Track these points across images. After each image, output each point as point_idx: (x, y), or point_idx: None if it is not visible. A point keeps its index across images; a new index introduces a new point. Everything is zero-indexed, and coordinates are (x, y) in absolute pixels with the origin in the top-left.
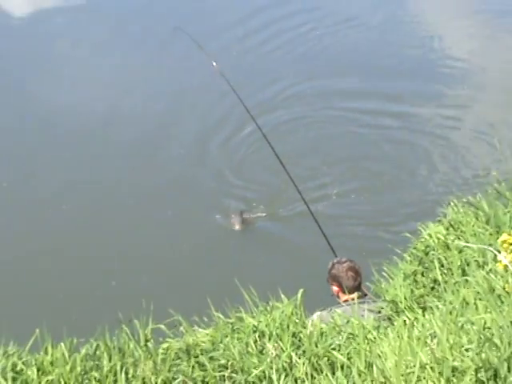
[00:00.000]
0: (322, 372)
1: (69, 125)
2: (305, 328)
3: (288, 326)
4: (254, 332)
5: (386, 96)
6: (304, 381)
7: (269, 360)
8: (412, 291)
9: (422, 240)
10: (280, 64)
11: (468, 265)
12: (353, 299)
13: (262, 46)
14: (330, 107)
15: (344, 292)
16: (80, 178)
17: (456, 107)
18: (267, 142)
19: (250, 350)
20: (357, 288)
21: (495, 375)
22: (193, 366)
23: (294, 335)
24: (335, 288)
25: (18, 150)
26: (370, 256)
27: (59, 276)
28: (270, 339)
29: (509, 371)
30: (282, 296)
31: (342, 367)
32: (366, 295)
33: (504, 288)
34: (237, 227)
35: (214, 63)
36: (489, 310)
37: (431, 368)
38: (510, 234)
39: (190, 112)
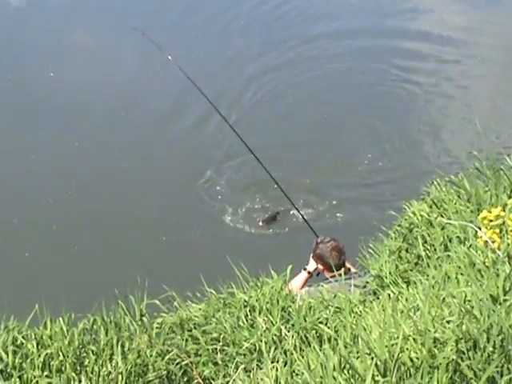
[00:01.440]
0: (310, 344)
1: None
2: (294, 302)
3: (278, 301)
4: (245, 306)
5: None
6: (292, 353)
7: (259, 333)
8: (397, 266)
9: (406, 218)
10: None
11: (450, 241)
12: (339, 275)
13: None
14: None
15: (330, 271)
16: (69, 157)
17: (448, 84)
18: (234, 130)
19: (241, 323)
20: (341, 266)
21: (475, 345)
22: (186, 340)
23: (283, 309)
24: (320, 267)
25: None
26: (358, 232)
27: (57, 253)
28: (260, 313)
29: (488, 342)
30: (272, 272)
31: (329, 340)
32: (349, 270)
33: (484, 263)
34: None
35: (170, 57)
36: (469, 283)
37: (414, 339)
38: (489, 211)
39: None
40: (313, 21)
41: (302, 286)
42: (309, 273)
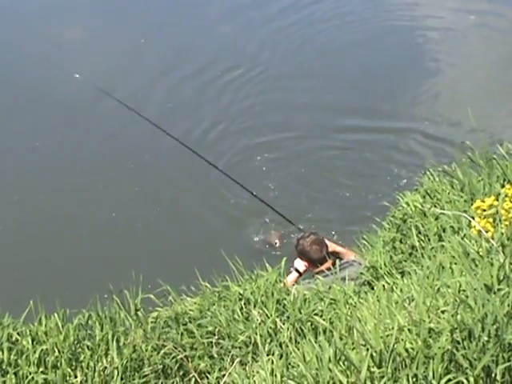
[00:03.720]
0: (306, 337)
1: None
2: (288, 295)
3: (272, 294)
4: (240, 300)
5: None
6: (288, 345)
7: (254, 326)
8: (391, 257)
9: (400, 208)
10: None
11: (444, 231)
12: (328, 269)
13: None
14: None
15: (314, 266)
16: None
17: (432, 74)
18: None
19: (236, 316)
20: (325, 258)
21: (470, 335)
22: (181, 334)
23: (278, 302)
24: (305, 263)
25: None
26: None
27: (51, 249)
28: (255, 306)
29: (482, 331)
30: (267, 264)
31: (324, 332)
32: (340, 259)
33: (478, 252)
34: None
35: (77, 75)
36: (463, 273)
37: (409, 330)
38: (483, 201)
39: None
40: None
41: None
42: (298, 272)
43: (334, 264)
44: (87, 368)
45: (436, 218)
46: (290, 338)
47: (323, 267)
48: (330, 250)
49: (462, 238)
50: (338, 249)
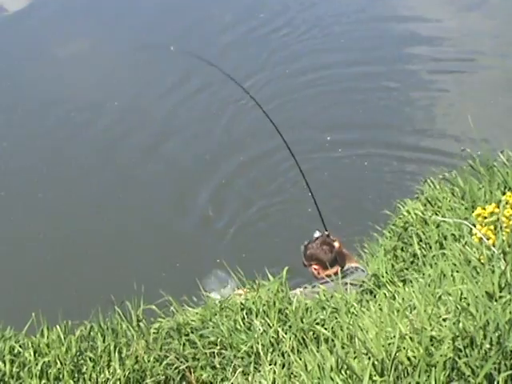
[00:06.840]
0: (307, 346)
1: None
2: (290, 304)
3: (274, 303)
4: (242, 310)
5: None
6: (290, 355)
7: (256, 336)
8: (392, 266)
9: (401, 216)
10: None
11: (445, 239)
12: (335, 273)
13: None
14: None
15: (325, 267)
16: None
17: (440, 80)
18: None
19: (238, 326)
20: (335, 259)
21: (472, 343)
22: (184, 344)
23: (280, 311)
24: (315, 267)
25: None
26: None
27: (52, 261)
28: (257, 316)
29: (484, 338)
30: (268, 274)
31: (326, 341)
32: (342, 267)
33: (479, 260)
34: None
35: (172, 47)
36: (465, 281)
37: (410, 338)
38: (484, 208)
39: None
40: None
41: None
42: None
43: (341, 270)
44: (89, 380)
45: (437, 226)
46: (292, 347)
47: (332, 271)
48: (338, 250)
49: (463, 246)
50: (345, 250)
